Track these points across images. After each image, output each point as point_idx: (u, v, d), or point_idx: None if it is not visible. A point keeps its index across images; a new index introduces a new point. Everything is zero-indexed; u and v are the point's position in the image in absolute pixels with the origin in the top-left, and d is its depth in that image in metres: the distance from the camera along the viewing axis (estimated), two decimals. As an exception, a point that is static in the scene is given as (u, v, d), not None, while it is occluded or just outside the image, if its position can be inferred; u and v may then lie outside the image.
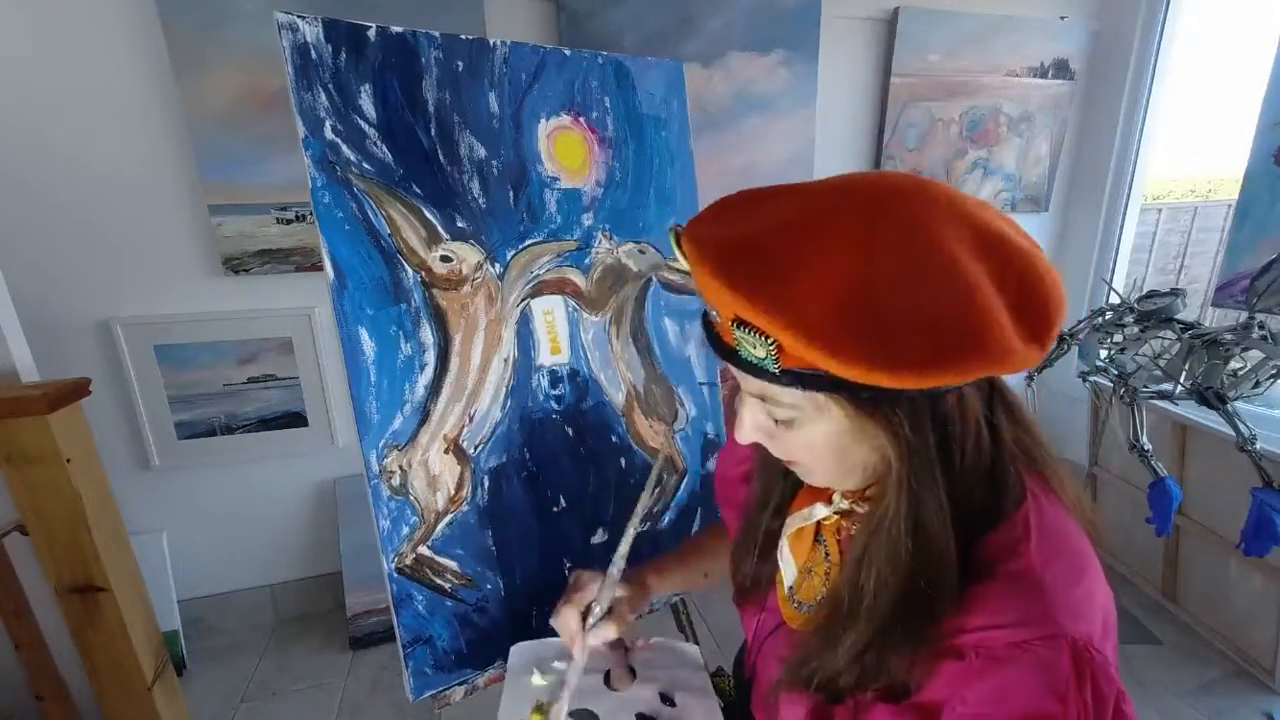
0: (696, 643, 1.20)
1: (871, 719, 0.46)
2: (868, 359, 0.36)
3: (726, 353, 0.45)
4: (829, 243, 0.39)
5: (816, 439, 0.46)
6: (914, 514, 0.44)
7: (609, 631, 0.67)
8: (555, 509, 1.04)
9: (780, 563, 0.60)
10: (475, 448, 0.96)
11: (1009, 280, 0.39)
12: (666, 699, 0.68)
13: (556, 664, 0.73)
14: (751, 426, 0.50)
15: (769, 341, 0.39)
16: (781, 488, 0.61)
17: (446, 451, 0.93)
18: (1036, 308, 0.38)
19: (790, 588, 0.59)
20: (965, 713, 0.42)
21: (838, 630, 0.48)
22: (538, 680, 0.71)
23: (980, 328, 0.36)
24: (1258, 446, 1.37)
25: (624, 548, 0.67)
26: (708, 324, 0.48)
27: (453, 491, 0.94)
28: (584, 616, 0.67)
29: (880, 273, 0.37)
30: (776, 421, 0.47)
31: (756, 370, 0.43)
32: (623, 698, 0.69)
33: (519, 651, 0.76)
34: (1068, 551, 0.45)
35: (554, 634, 0.70)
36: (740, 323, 0.40)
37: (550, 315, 1.02)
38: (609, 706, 0.68)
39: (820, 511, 0.56)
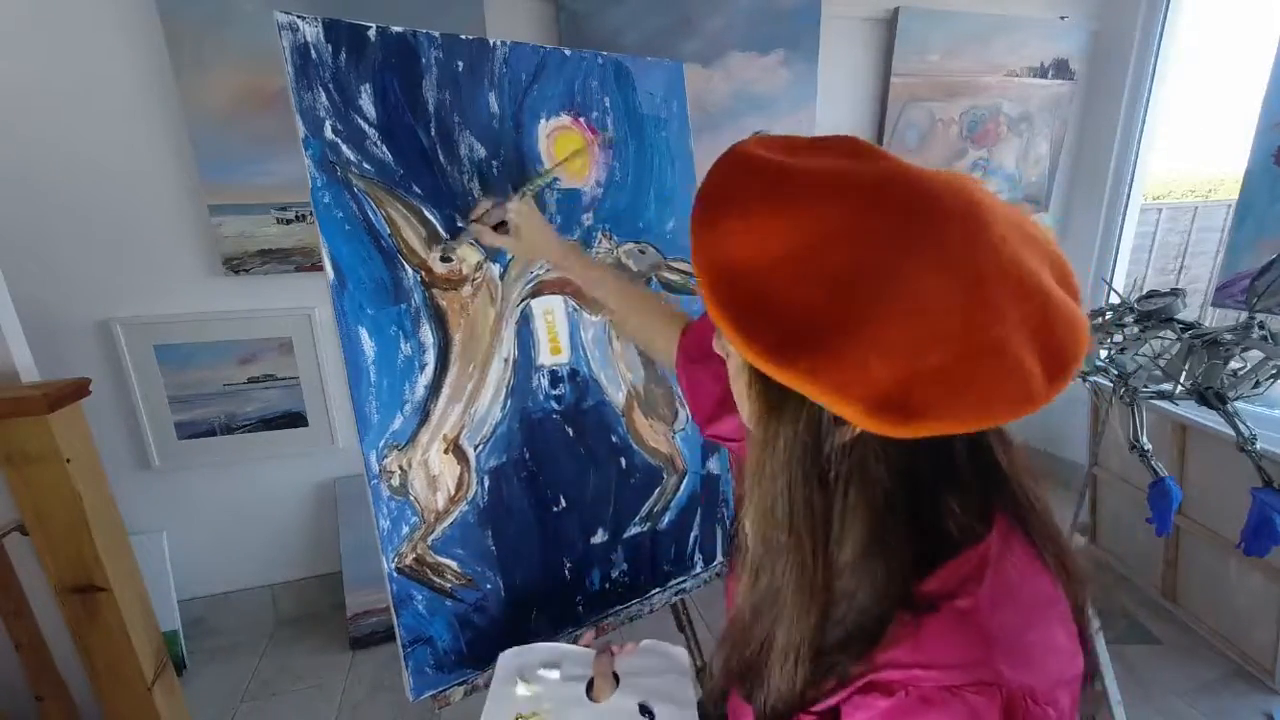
0: (696, 642, 1.20)
1: None
2: (730, 321, 0.36)
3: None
4: (794, 234, 0.37)
5: (731, 372, 0.48)
6: (764, 505, 0.43)
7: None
8: (555, 509, 1.04)
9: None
10: (475, 448, 0.96)
11: (1045, 340, 0.36)
12: (645, 710, 0.68)
13: (542, 672, 0.73)
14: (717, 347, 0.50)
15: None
16: None
17: (446, 451, 0.93)
18: (1054, 345, 0.37)
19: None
20: None
21: (752, 634, 0.47)
22: (522, 690, 0.71)
23: (1009, 378, 0.35)
24: (1258, 446, 1.37)
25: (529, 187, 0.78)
26: None
27: (453, 491, 0.94)
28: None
29: (790, 264, 0.36)
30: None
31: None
32: (601, 710, 0.68)
33: (506, 658, 0.76)
34: (1024, 596, 0.42)
35: (545, 639, 0.70)
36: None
37: (550, 315, 1.02)
38: (587, 718, 0.67)
39: None
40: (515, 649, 0.77)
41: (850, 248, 0.36)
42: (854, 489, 0.41)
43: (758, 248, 0.37)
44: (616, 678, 0.71)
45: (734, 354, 0.45)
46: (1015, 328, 0.35)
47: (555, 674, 0.72)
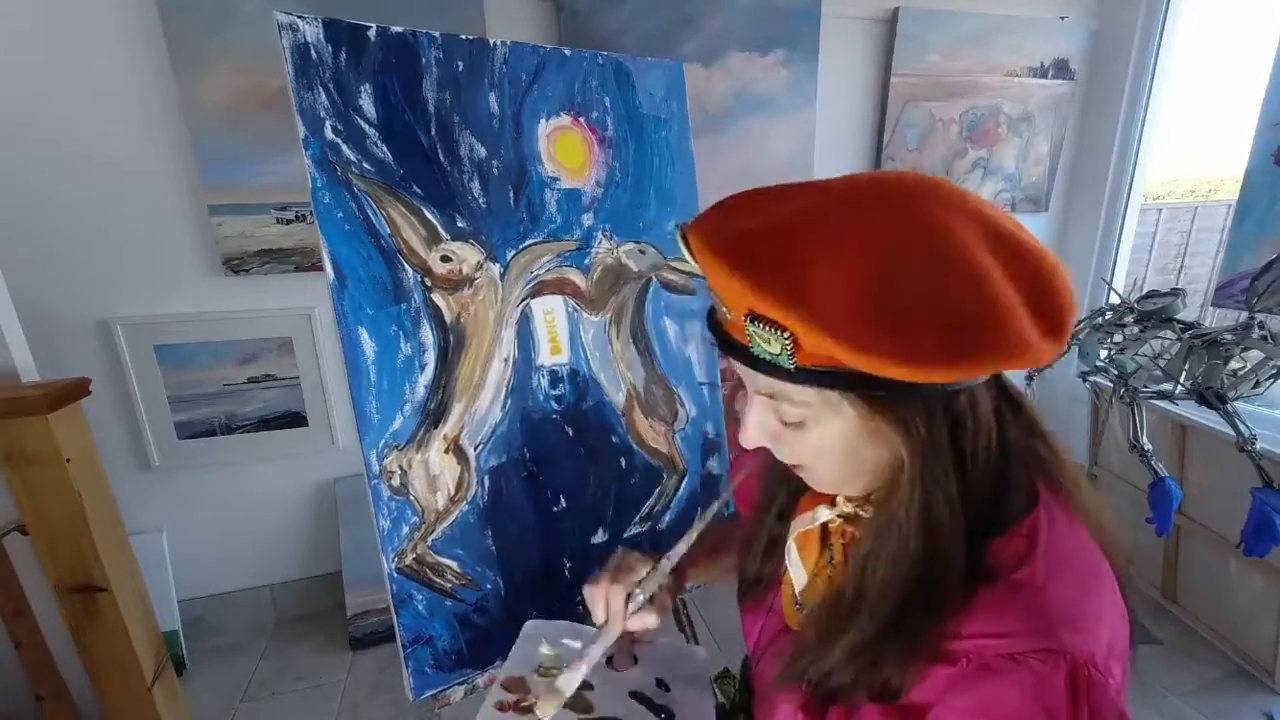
0: (696, 642, 1.20)
1: (865, 716, 0.45)
2: (891, 352, 0.35)
3: (736, 350, 0.43)
4: (846, 239, 0.38)
5: (827, 440, 0.45)
6: (925, 515, 0.43)
7: (649, 619, 0.65)
8: (555, 509, 1.04)
9: (789, 567, 0.59)
10: (475, 448, 0.96)
11: (1023, 276, 0.39)
12: (662, 684, 0.70)
13: (566, 640, 0.74)
14: (756, 428, 0.47)
15: (785, 335, 0.38)
16: (786, 491, 0.60)
17: (446, 451, 0.93)
18: (1051, 302, 0.38)
19: (799, 592, 0.58)
20: (948, 714, 0.41)
21: (838, 628, 0.47)
22: (545, 649, 0.73)
23: (999, 321, 0.36)
24: (1258, 446, 1.37)
25: (683, 547, 0.68)
26: (714, 322, 0.46)
27: (453, 491, 0.94)
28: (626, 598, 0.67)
29: (898, 269, 0.37)
30: (785, 424, 0.46)
31: (769, 368, 0.41)
32: (622, 677, 0.70)
33: (532, 625, 0.78)
34: (1077, 564, 0.43)
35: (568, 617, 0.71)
36: (754, 317, 0.39)
37: (550, 315, 1.02)
38: (606, 679, 0.69)
39: (824, 514, 0.55)
40: (539, 620, 0.79)
41: (911, 248, 0.38)
42: (980, 442, 0.43)
43: (853, 282, 0.37)
44: (634, 659, 0.73)
45: (820, 407, 0.43)
46: (1005, 278, 0.38)
47: (577, 643, 0.73)
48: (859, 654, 0.45)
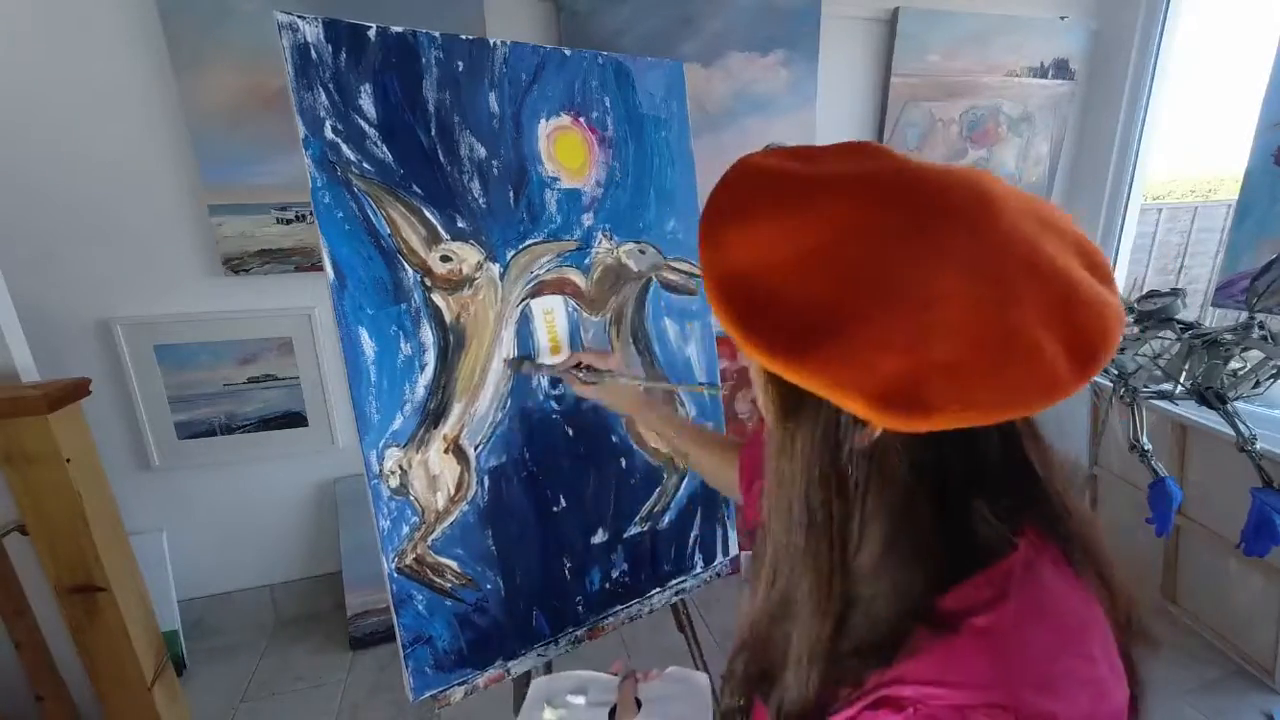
0: (696, 642, 1.20)
1: None
2: (737, 325, 0.36)
3: None
4: (780, 225, 0.38)
5: (756, 381, 0.45)
6: (782, 507, 0.42)
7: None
8: (555, 509, 1.04)
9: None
10: (475, 448, 0.96)
11: (1070, 332, 0.35)
12: None
13: (569, 698, 0.74)
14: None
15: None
16: None
17: (446, 451, 0.93)
18: (1089, 349, 0.35)
19: None
20: None
21: (769, 638, 0.46)
22: (549, 715, 0.73)
23: (1030, 366, 0.33)
24: (1258, 446, 1.37)
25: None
26: None
27: (453, 491, 0.94)
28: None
29: (797, 265, 0.36)
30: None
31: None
32: None
33: (537, 685, 0.78)
34: (1058, 618, 0.40)
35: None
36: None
37: (550, 315, 1.02)
38: None
39: None
40: (546, 677, 0.80)
41: (855, 244, 0.35)
42: (873, 492, 0.40)
43: (764, 253, 0.37)
44: (639, 703, 0.72)
45: (752, 364, 0.44)
46: (1032, 314, 0.34)
47: (581, 699, 0.74)
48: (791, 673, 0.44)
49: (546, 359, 1.01)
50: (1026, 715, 0.36)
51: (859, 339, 0.33)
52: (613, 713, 0.73)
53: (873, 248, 0.35)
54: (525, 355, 1.00)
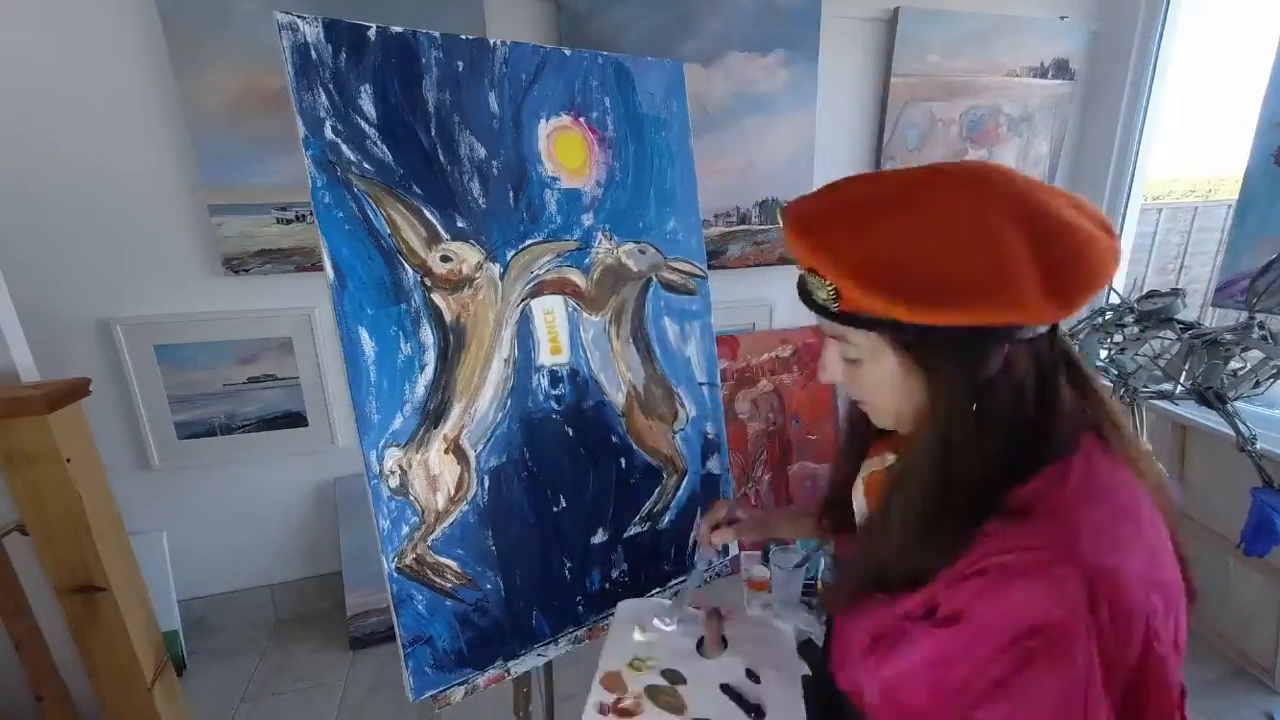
0: None
1: (914, 635, 0.51)
2: (886, 293, 0.46)
3: (805, 298, 0.55)
4: (874, 219, 0.48)
5: (877, 377, 0.54)
6: (943, 445, 0.50)
7: (727, 535, 0.83)
8: (555, 509, 1.04)
9: (854, 505, 0.68)
10: (475, 448, 0.96)
11: (1047, 247, 0.45)
12: (752, 675, 0.72)
13: (657, 622, 0.79)
14: (828, 364, 0.58)
15: (829, 285, 0.50)
16: (860, 436, 0.68)
17: (446, 451, 0.93)
18: (1063, 271, 0.45)
19: (859, 526, 0.67)
20: (975, 619, 0.46)
21: (875, 539, 0.56)
22: (639, 636, 0.78)
23: (997, 279, 0.44)
24: (1258, 446, 1.37)
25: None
26: (800, 284, 0.56)
27: (453, 491, 0.94)
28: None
29: (903, 233, 0.47)
30: (846, 360, 0.56)
31: (824, 311, 0.53)
32: (712, 665, 0.74)
33: (626, 606, 0.82)
34: (1111, 498, 0.48)
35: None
36: (810, 270, 0.52)
37: (550, 315, 1.02)
38: (698, 671, 0.73)
39: (891, 458, 0.63)
40: (634, 600, 0.84)
41: (946, 225, 0.47)
42: (1013, 390, 0.49)
43: (894, 243, 0.47)
44: (725, 641, 0.76)
45: (868, 348, 0.53)
46: (1016, 241, 0.45)
47: (671, 625, 0.78)
48: (902, 556, 0.53)
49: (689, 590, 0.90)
50: (1092, 565, 0.43)
51: (988, 280, 0.44)
52: (699, 645, 0.76)
53: (957, 220, 0.47)
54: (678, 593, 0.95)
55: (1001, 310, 0.44)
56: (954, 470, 0.50)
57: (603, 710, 0.68)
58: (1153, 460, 0.54)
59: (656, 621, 0.79)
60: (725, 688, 0.70)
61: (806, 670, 0.73)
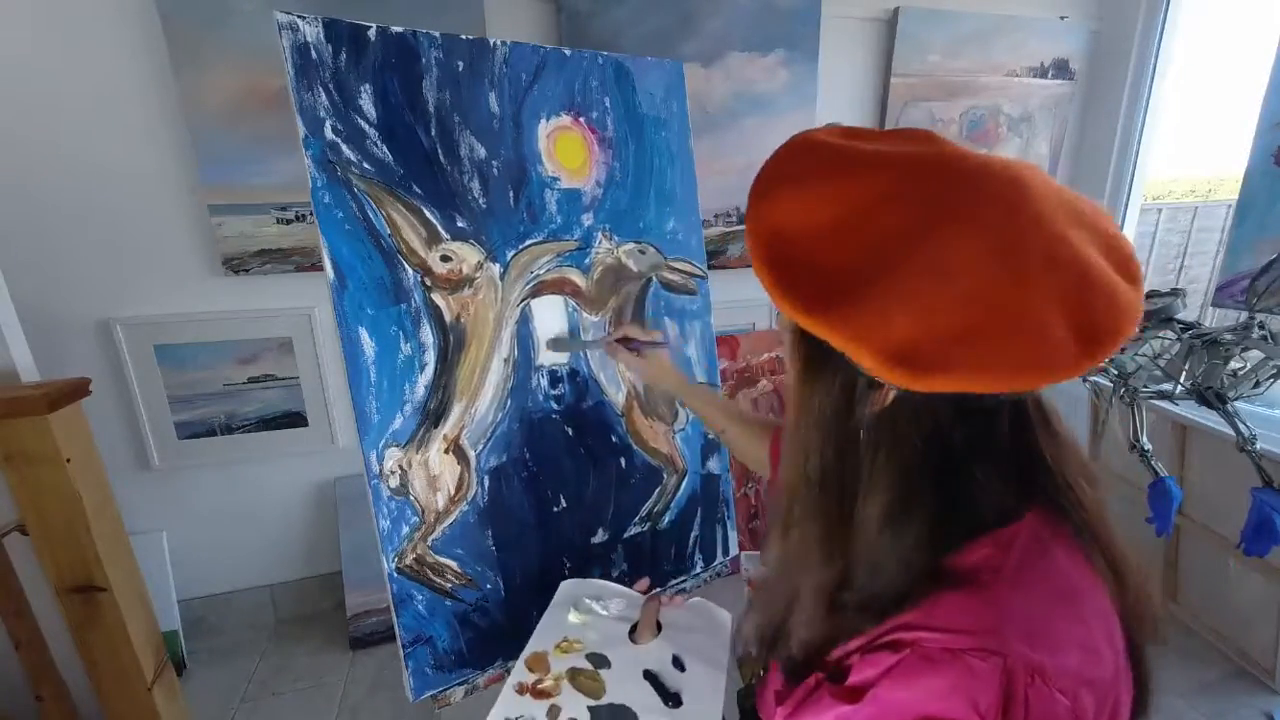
0: None
1: (820, 700, 0.46)
2: (774, 280, 0.40)
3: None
4: (817, 199, 0.41)
5: (791, 375, 0.49)
6: (797, 462, 0.46)
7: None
8: (555, 509, 1.04)
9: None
10: (475, 448, 0.96)
11: (1081, 296, 0.37)
12: (678, 662, 0.72)
13: (592, 604, 0.79)
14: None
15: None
16: None
17: (446, 451, 0.93)
18: (1094, 319, 0.37)
19: None
20: (880, 700, 0.42)
21: (779, 592, 0.51)
22: (573, 618, 0.78)
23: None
24: (1258, 446, 1.37)
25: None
26: None
27: (453, 491, 0.94)
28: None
29: (832, 231, 0.40)
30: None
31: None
32: (638, 651, 0.73)
33: (566, 586, 0.83)
34: (1056, 584, 0.42)
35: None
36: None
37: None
38: (623, 657, 0.73)
39: None
40: (575, 580, 0.83)
41: (887, 213, 0.39)
42: (884, 450, 0.43)
43: (806, 216, 0.41)
44: (660, 626, 0.75)
45: (784, 324, 0.48)
46: (1044, 296, 0.36)
47: (604, 610, 0.78)
48: (792, 628, 0.48)
49: (589, 336, 1.02)
50: (1015, 661, 0.38)
51: (879, 300, 0.37)
52: (633, 630, 0.75)
53: (902, 215, 0.38)
54: (571, 332, 1.01)
55: (1035, 376, 0.36)
56: (833, 501, 0.45)
57: (520, 690, 0.69)
58: (1113, 539, 0.46)
59: (592, 604, 0.78)
60: (647, 674, 0.70)
61: (733, 668, 0.73)
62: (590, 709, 0.66)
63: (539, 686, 0.69)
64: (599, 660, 0.72)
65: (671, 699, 0.68)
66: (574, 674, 0.70)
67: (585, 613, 0.78)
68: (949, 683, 0.39)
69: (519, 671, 0.71)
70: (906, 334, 0.36)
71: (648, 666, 0.71)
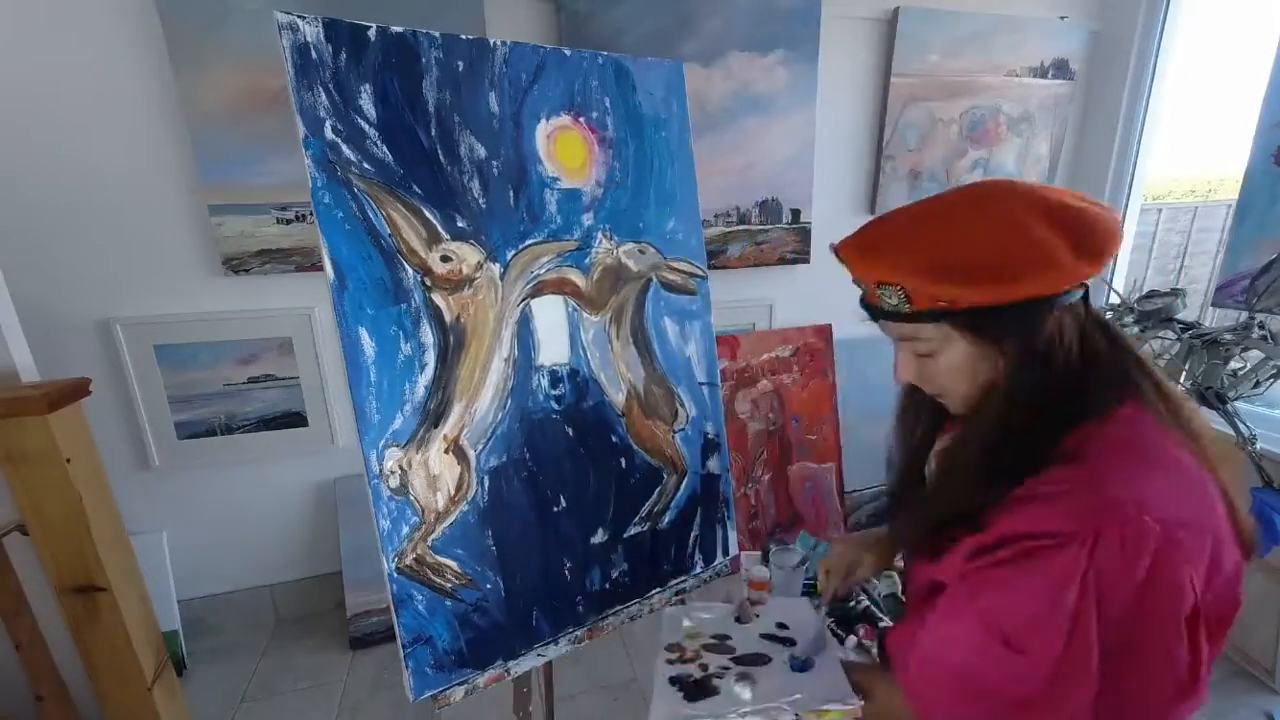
0: None
1: (973, 556, 0.59)
2: (950, 282, 0.56)
3: (875, 311, 0.65)
4: (920, 230, 0.61)
5: (952, 363, 0.63)
6: (1005, 406, 0.59)
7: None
8: (555, 509, 1.04)
9: (927, 474, 0.78)
10: (475, 448, 0.96)
11: (1070, 228, 0.55)
12: (781, 625, 0.91)
13: (699, 613, 0.96)
14: (904, 365, 0.67)
15: (898, 290, 0.59)
16: (924, 425, 0.78)
17: (446, 451, 0.93)
18: (1089, 239, 0.55)
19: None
20: (1003, 533, 0.56)
21: (943, 480, 0.70)
22: (687, 622, 0.94)
23: (1033, 254, 0.55)
24: (1258, 446, 1.37)
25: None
26: (864, 304, 0.67)
27: (453, 491, 0.94)
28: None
29: (953, 243, 0.58)
30: (919, 356, 0.65)
31: (897, 316, 0.62)
32: (748, 627, 0.92)
33: (670, 611, 0.99)
34: (1142, 450, 0.56)
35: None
36: (880, 284, 0.61)
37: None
38: (739, 632, 0.91)
39: None
40: (677, 606, 1.00)
41: (973, 220, 0.59)
42: (1069, 347, 0.59)
43: (942, 251, 0.58)
44: (756, 616, 0.94)
45: (939, 338, 0.62)
46: (1040, 227, 0.56)
47: (708, 614, 0.96)
48: (963, 491, 0.62)
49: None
50: (1106, 497, 0.52)
51: (1031, 255, 0.55)
52: (736, 619, 0.94)
53: (994, 220, 0.58)
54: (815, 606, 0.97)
55: (1044, 278, 0.54)
56: (1014, 420, 0.59)
57: (669, 659, 0.86)
58: (1197, 418, 0.61)
59: (699, 613, 0.96)
60: (763, 635, 0.89)
61: (818, 616, 0.89)
62: (732, 659, 0.85)
63: (684, 656, 0.87)
64: (722, 637, 0.90)
65: (786, 642, 0.87)
66: (708, 645, 0.89)
67: (694, 618, 0.95)
68: (1055, 509, 0.54)
69: (662, 656, 0.87)
70: (1062, 250, 0.54)
71: (761, 632, 0.90)
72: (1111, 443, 0.56)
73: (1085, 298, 0.60)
